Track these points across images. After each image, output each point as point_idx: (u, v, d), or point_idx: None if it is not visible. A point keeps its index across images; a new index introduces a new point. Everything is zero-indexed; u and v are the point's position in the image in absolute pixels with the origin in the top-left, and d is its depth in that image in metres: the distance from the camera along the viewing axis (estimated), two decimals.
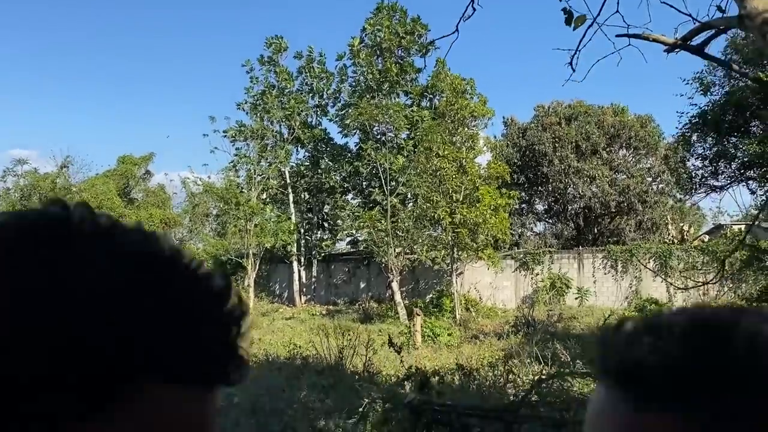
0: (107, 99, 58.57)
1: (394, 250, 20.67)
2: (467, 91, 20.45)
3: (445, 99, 20.61)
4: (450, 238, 19.30)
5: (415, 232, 20.59)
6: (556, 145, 26.90)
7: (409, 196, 23.71)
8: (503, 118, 29.96)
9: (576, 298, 21.25)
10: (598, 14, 4.18)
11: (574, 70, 4.60)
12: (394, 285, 20.36)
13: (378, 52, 24.04)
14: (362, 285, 25.70)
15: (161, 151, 66.95)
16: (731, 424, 0.40)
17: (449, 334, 15.02)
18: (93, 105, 58.17)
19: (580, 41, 4.38)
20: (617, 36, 4.23)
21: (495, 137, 27.98)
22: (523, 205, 28.91)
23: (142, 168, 33.24)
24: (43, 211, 0.44)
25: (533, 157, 27.55)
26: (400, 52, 24.37)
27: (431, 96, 25.00)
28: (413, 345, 13.59)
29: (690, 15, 3.98)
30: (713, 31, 3.86)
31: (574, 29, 4.07)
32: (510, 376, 6.06)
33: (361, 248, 24.51)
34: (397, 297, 19.97)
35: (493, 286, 22.65)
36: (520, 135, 28.36)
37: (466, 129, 20.18)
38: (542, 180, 27.85)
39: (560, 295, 21.47)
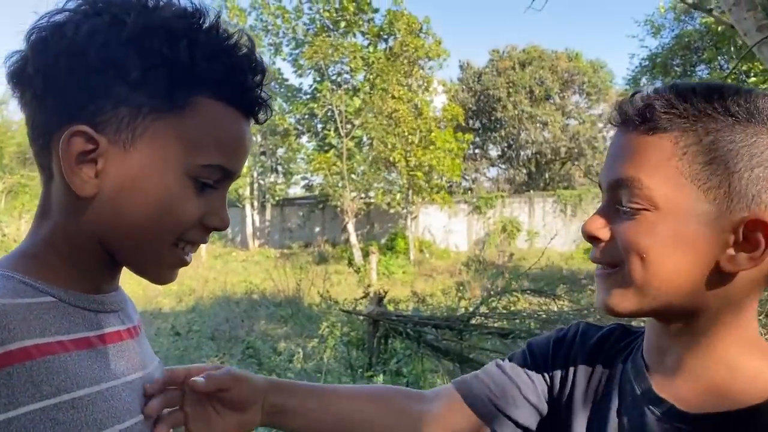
0: None
1: (350, 194, 20.70)
2: (422, 31, 20.19)
3: (400, 39, 20.29)
4: (405, 181, 19.44)
5: (371, 176, 20.61)
6: (510, 90, 27.11)
7: (364, 139, 23.57)
8: (459, 62, 29.86)
9: (526, 241, 22.00)
10: None
11: None
12: (350, 227, 20.49)
13: None
14: (317, 229, 25.72)
15: None
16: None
17: (404, 272, 15.39)
18: None
19: None
20: None
21: (451, 81, 27.94)
22: (477, 151, 29.28)
23: None
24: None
25: (488, 102, 27.72)
26: None
27: (387, 36, 24.57)
28: (369, 283, 13.90)
29: None
30: None
31: None
32: (461, 301, 6.35)
33: (316, 192, 24.40)
34: (353, 239, 20.15)
35: (446, 229, 23.14)
36: (476, 79, 28.39)
37: (420, 70, 20.02)
38: (496, 125, 28.16)
39: (511, 238, 22.17)
